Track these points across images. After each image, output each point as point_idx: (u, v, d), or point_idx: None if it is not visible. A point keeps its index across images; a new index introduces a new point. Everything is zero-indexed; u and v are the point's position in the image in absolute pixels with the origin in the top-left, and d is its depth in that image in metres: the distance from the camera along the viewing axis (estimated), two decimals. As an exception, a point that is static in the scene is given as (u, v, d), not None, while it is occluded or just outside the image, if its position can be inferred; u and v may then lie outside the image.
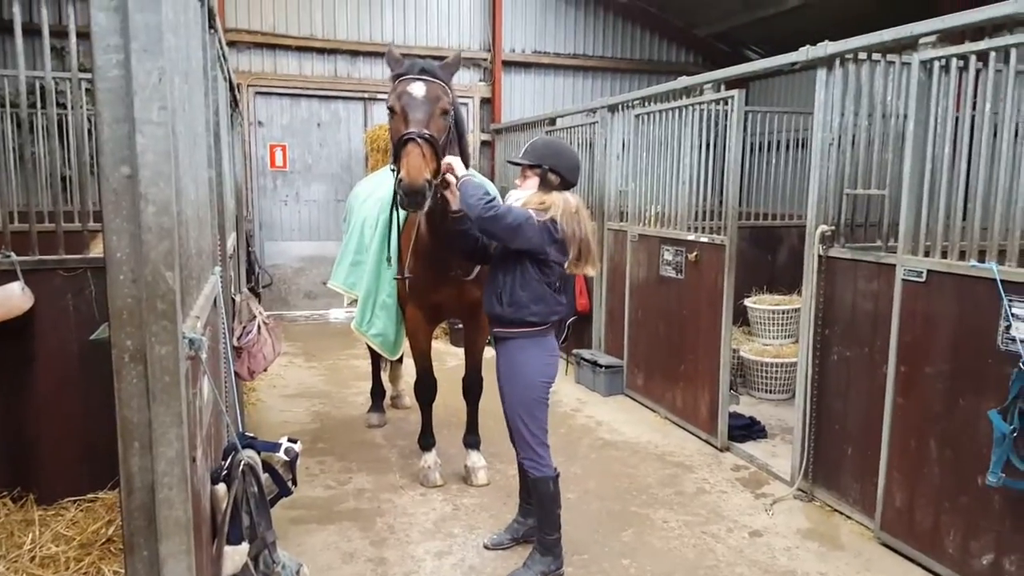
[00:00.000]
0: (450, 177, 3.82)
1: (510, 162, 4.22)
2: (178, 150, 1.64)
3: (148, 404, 1.47)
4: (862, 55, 4.53)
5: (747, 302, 7.57)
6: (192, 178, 2.06)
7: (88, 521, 3.83)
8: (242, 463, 2.16)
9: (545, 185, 3.82)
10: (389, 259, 4.81)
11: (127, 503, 1.50)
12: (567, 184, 3.86)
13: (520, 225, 3.57)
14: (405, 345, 5.24)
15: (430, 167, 3.75)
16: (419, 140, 3.75)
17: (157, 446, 1.49)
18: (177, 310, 1.49)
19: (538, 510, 3.94)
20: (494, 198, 3.64)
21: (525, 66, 11.75)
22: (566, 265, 3.78)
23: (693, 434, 6.11)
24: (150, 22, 1.41)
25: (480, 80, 11.49)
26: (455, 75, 4.21)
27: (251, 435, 2.49)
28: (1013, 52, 3.52)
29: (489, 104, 11.54)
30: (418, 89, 3.92)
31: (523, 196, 3.84)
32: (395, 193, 3.98)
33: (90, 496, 4.04)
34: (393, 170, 3.96)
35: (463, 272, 4.54)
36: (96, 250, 4.19)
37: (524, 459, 3.93)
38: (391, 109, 4.02)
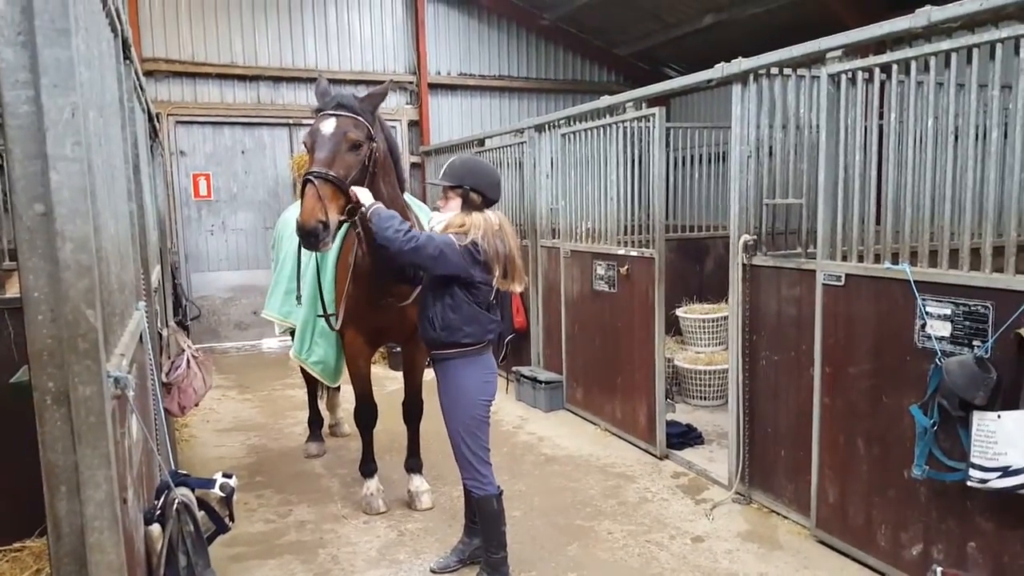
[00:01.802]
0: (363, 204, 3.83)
1: (430, 183, 4.27)
2: (95, 185, 1.61)
3: (74, 446, 1.43)
4: (774, 70, 4.73)
5: (678, 312, 7.74)
6: (111, 212, 2.01)
7: (15, 571, 3.66)
8: (176, 502, 2.11)
9: (468, 205, 3.81)
10: (299, 298, 4.80)
11: (55, 549, 1.45)
12: (489, 201, 3.87)
13: (442, 251, 3.59)
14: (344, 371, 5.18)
15: (331, 206, 3.75)
16: (316, 181, 3.76)
17: (85, 489, 1.44)
18: (100, 348, 1.45)
19: (483, 529, 3.94)
20: (411, 227, 3.65)
21: (451, 88, 11.82)
22: (494, 283, 3.79)
23: (633, 444, 6.19)
24: (60, 57, 1.38)
25: (407, 103, 11.50)
26: (382, 103, 4.21)
27: (184, 472, 2.43)
28: (913, 64, 3.73)
29: (417, 126, 11.55)
30: (326, 126, 3.92)
31: (445, 219, 3.84)
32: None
33: (16, 545, 3.86)
34: None
35: (398, 298, 4.53)
36: (13, 290, 4.02)
37: (467, 479, 3.93)
38: (305, 145, 4.05)
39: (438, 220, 3.88)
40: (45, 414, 1.41)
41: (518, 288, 3.91)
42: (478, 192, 3.81)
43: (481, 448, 3.88)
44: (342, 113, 3.95)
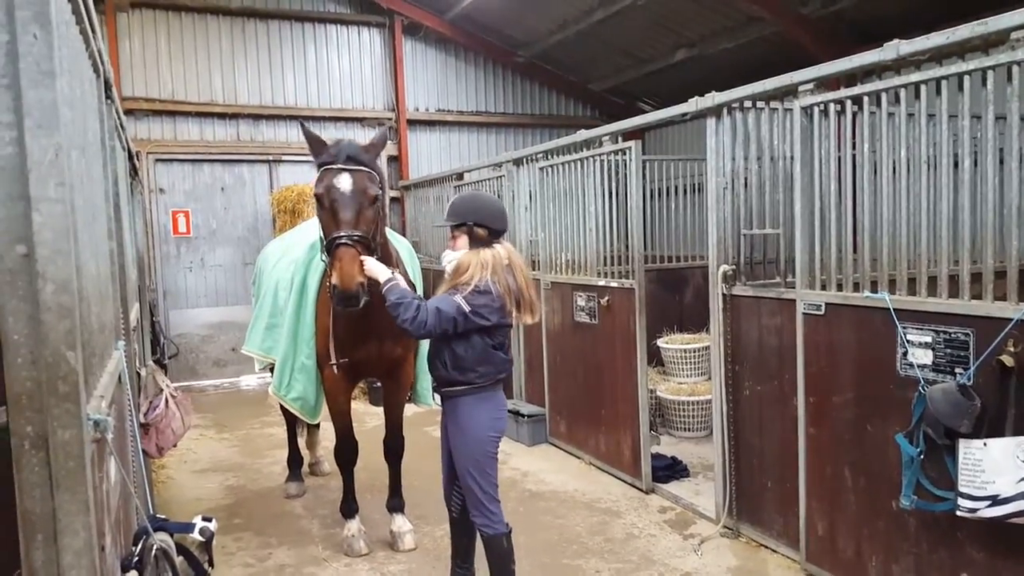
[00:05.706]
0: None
1: (436, 226, 4.26)
2: (77, 226, 1.59)
3: (52, 493, 1.39)
4: (747, 103, 4.80)
5: (660, 342, 7.74)
6: (92, 252, 1.99)
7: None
8: (154, 548, 2.06)
9: (475, 241, 3.77)
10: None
11: (31, 602, 1.40)
12: (496, 233, 3.82)
13: (454, 321, 3.57)
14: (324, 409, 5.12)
15: (363, 268, 3.82)
16: (350, 243, 3.81)
17: (63, 537, 1.40)
18: (80, 391, 1.43)
19: (493, 570, 3.85)
20: (418, 305, 3.59)
21: (430, 124, 11.93)
22: (512, 320, 3.75)
23: (618, 478, 6.14)
24: (44, 98, 1.37)
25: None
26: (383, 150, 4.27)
27: (163, 517, 2.38)
28: (884, 96, 3.80)
29: (396, 161, 11.61)
30: (344, 183, 3.93)
31: (456, 256, 3.80)
32: (330, 292, 4.00)
33: (-13, 598, 3.73)
34: (323, 260, 4.06)
35: (380, 334, 4.53)
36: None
37: (476, 517, 3.82)
38: (318, 199, 4.03)
39: (448, 259, 3.86)
40: (22, 459, 1.38)
41: (529, 320, 3.85)
42: (482, 226, 3.77)
43: (491, 485, 3.80)
44: (358, 168, 3.97)
